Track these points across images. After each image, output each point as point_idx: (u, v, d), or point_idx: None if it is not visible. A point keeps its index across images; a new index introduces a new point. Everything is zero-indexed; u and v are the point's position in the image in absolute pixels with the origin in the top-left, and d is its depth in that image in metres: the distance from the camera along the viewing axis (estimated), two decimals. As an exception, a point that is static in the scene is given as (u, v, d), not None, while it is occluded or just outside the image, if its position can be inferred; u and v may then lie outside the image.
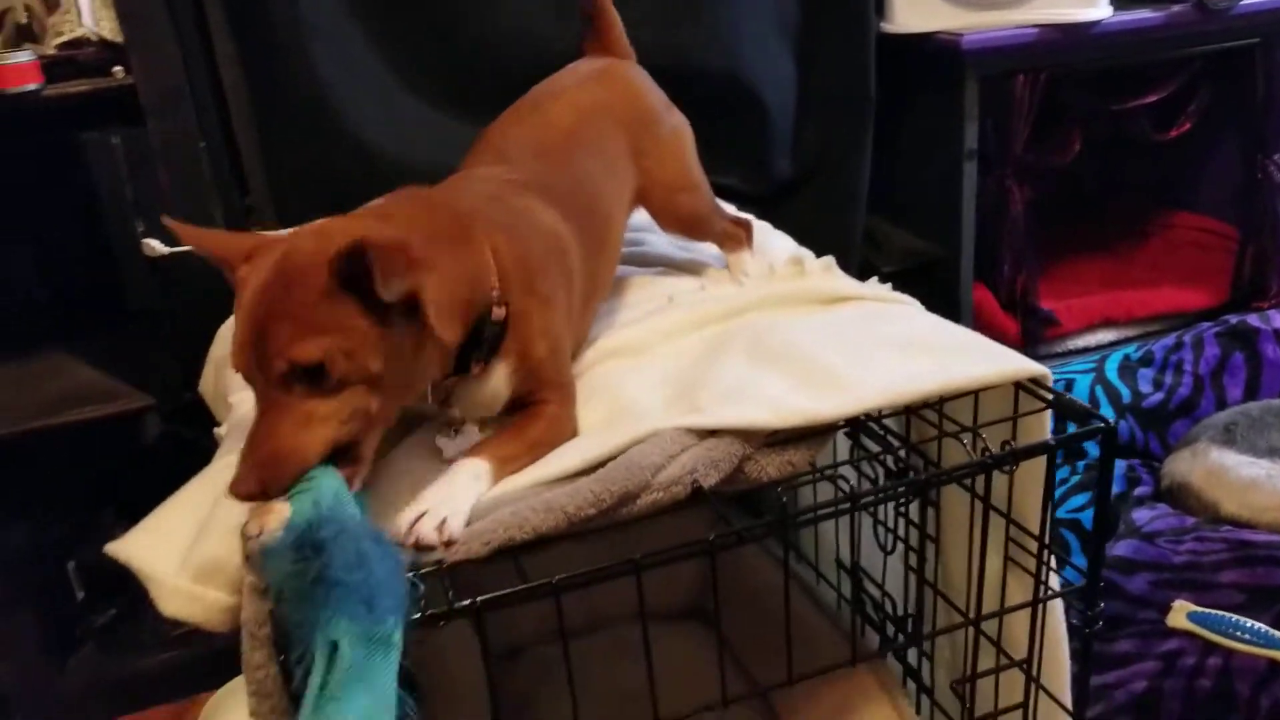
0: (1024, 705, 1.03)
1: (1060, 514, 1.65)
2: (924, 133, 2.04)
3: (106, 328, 1.81)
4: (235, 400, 1.12)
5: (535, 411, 0.96)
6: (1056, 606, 1.03)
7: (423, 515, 0.80)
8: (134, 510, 0.97)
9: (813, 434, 0.93)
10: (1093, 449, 1.74)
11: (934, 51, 1.89)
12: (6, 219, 1.80)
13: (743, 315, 1.16)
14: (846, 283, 1.21)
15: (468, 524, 0.82)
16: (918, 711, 1.14)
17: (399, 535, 0.79)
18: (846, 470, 1.15)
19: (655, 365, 1.10)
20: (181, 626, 1.78)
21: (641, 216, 1.31)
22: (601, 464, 0.88)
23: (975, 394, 0.97)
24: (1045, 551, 0.97)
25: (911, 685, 1.17)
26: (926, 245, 2.05)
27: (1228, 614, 1.35)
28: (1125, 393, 1.88)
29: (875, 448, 0.97)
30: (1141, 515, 1.55)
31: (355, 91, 1.64)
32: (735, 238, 1.34)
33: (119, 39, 1.50)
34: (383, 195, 0.99)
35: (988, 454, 0.90)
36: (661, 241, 1.44)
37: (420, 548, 0.79)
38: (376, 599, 0.69)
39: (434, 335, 0.84)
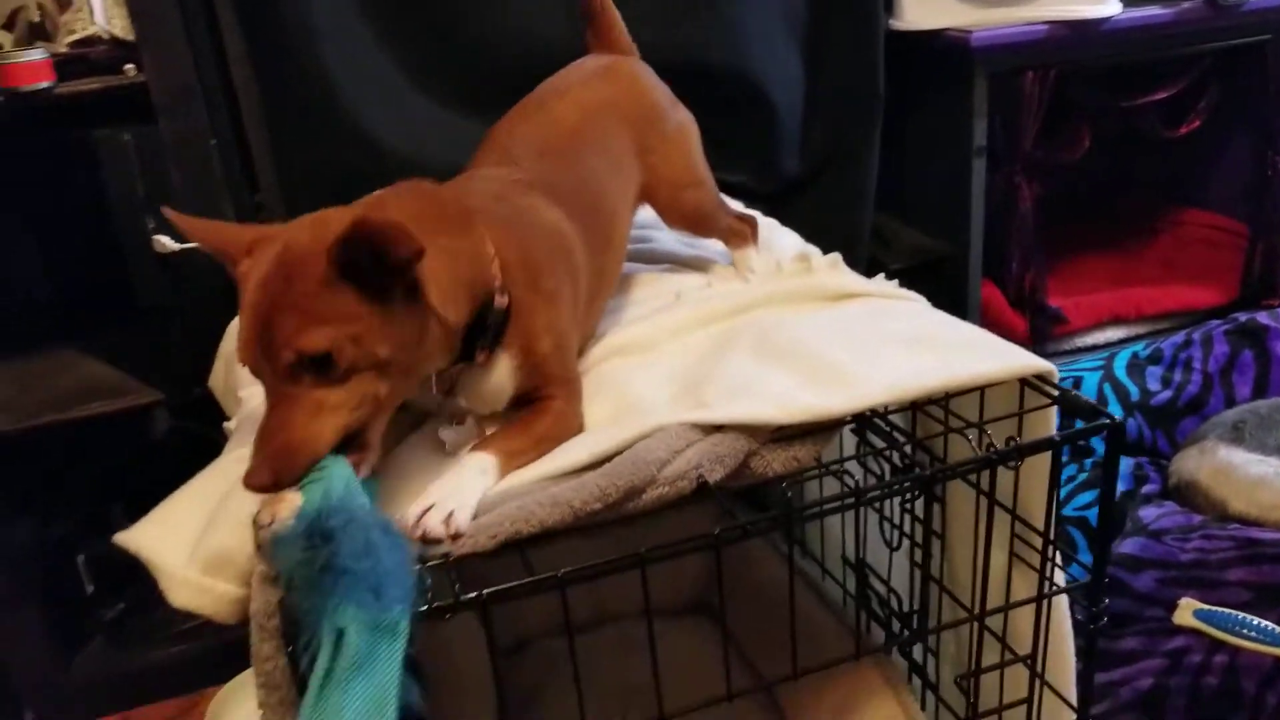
0: (1028, 701, 1.03)
1: (1067, 511, 1.64)
2: (933, 130, 2.04)
3: (117, 324, 1.82)
4: (245, 395, 1.13)
5: (541, 407, 0.96)
6: (1061, 603, 1.03)
7: (430, 508, 0.81)
8: (143, 505, 0.97)
9: (818, 430, 0.93)
10: (1100, 447, 1.74)
11: (943, 48, 1.89)
12: (19, 215, 1.82)
13: (749, 312, 1.17)
14: (853, 279, 1.21)
15: (474, 518, 0.83)
16: (923, 707, 1.14)
17: (406, 528, 0.80)
18: (852, 466, 1.15)
19: (661, 362, 1.10)
20: (190, 618, 1.79)
21: (648, 213, 1.32)
22: (607, 459, 0.88)
23: (981, 390, 0.97)
24: (1050, 547, 0.97)
25: (917, 681, 1.17)
26: (935, 242, 2.05)
27: (1234, 611, 1.35)
28: (1134, 390, 1.88)
29: (881, 444, 0.97)
30: (1149, 513, 1.55)
31: (365, 90, 1.65)
32: (741, 234, 1.34)
33: (131, 37, 1.52)
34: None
35: (992, 450, 0.91)
36: (668, 238, 1.44)
37: (427, 541, 0.80)
38: (384, 587, 0.70)
39: (437, 317, 0.85)
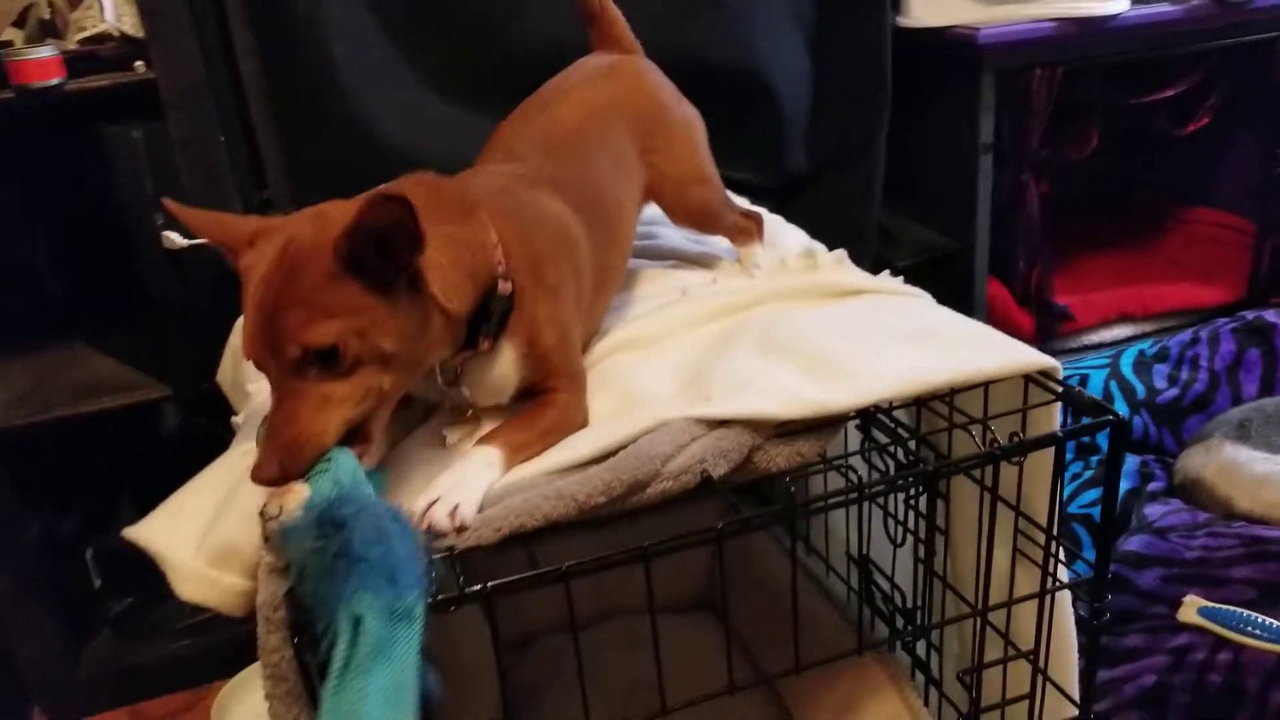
0: (1030, 696, 1.04)
1: (1072, 509, 1.65)
2: (940, 127, 2.04)
3: (125, 319, 1.84)
4: (253, 389, 1.13)
5: (546, 400, 0.97)
6: (1064, 599, 1.03)
7: (435, 502, 0.81)
8: (151, 500, 0.98)
9: (822, 425, 0.93)
10: (1105, 444, 1.74)
11: (950, 46, 1.89)
12: (29, 211, 1.83)
13: (754, 308, 1.17)
14: (858, 276, 1.21)
15: (479, 511, 0.83)
16: (925, 703, 1.15)
17: (412, 521, 0.80)
18: (856, 462, 1.15)
19: (666, 357, 1.10)
20: (197, 613, 1.81)
21: (654, 210, 1.32)
22: (612, 453, 0.89)
23: (985, 386, 0.97)
24: (1053, 543, 0.97)
25: (920, 677, 1.17)
26: (941, 240, 2.05)
27: (1239, 609, 1.35)
28: (1140, 388, 1.88)
29: (885, 439, 0.97)
30: (1154, 510, 1.55)
31: (373, 87, 1.66)
32: (746, 231, 1.35)
33: (140, 34, 1.52)
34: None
35: (996, 445, 0.91)
36: (674, 235, 1.45)
37: (432, 533, 0.80)
38: (398, 574, 0.71)
39: (440, 307, 0.85)
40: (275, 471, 0.78)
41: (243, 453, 0.97)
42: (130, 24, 1.54)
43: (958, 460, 0.94)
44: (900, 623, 1.12)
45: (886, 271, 1.24)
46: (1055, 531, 0.97)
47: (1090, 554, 1.00)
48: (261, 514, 0.77)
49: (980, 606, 1.01)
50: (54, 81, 1.48)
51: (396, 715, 0.69)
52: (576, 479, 0.86)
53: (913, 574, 1.13)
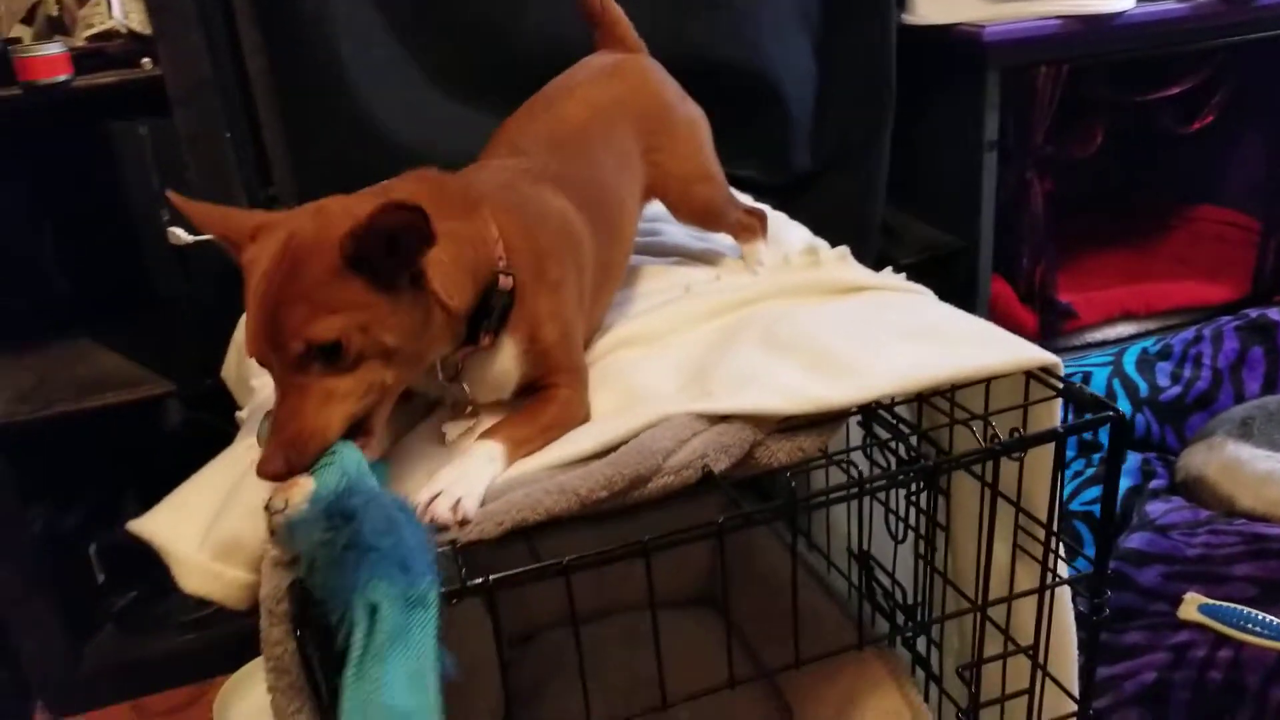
0: (1030, 692, 1.04)
1: (1074, 506, 1.65)
2: (944, 124, 2.04)
3: (130, 315, 1.84)
4: (257, 384, 1.14)
5: (548, 395, 0.97)
6: (1064, 595, 1.04)
7: (438, 495, 0.82)
8: (155, 495, 0.99)
9: (824, 421, 0.94)
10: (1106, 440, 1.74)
11: (955, 43, 1.89)
12: (35, 207, 1.84)
13: (756, 304, 1.17)
14: (860, 272, 1.21)
15: (482, 505, 0.84)
16: (926, 699, 1.15)
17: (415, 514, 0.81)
18: (858, 458, 1.16)
19: (669, 353, 1.11)
20: (200, 608, 1.82)
21: (657, 206, 1.33)
22: (614, 448, 0.89)
23: (987, 383, 0.97)
24: (1053, 539, 0.97)
25: (920, 674, 1.17)
26: (945, 237, 2.05)
27: (1240, 606, 1.35)
28: (1143, 386, 1.88)
29: (886, 435, 0.97)
30: (1156, 508, 1.55)
31: (379, 84, 1.66)
32: (750, 228, 1.35)
33: (147, 31, 1.53)
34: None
35: (996, 441, 0.91)
36: (677, 231, 1.45)
37: (435, 527, 0.81)
38: (410, 562, 0.72)
39: (441, 303, 0.86)
40: (281, 466, 0.78)
41: (246, 447, 0.98)
42: (138, 21, 1.55)
43: (958, 455, 0.94)
44: (901, 619, 1.12)
45: (889, 268, 1.24)
46: (1055, 527, 0.97)
47: (1091, 551, 1.00)
48: (267, 508, 0.77)
49: (980, 602, 1.02)
50: (61, 78, 1.49)
51: (418, 700, 0.70)
52: (578, 473, 0.86)
53: (914, 570, 1.13)
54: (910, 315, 1.09)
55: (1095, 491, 1.66)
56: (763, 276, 1.28)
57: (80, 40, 1.58)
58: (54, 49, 1.48)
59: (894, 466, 1.00)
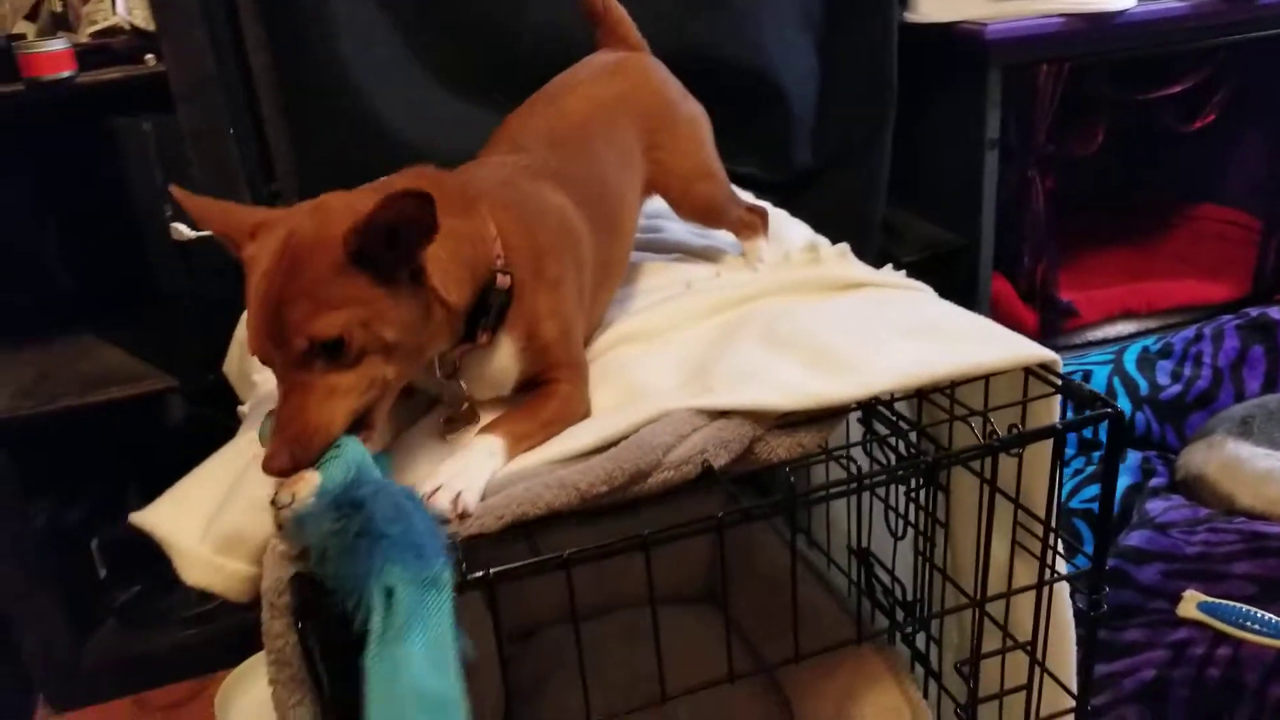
0: (1028, 688, 1.04)
1: (1074, 504, 1.65)
2: (946, 122, 2.04)
3: (133, 311, 1.85)
4: (259, 379, 1.14)
5: (548, 390, 0.98)
6: (1062, 591, 1.04)
7: (438, 488, 0.82)
8: (157, 490, 0.99)
9: (824, 416, 0.94)
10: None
11: (957, 41, 1.89)
12: (39, 203, 1.84)
13: (757, 301, 1.18)
14: (860, 269, 1.22)
15: (482, 499, 0.84)
16: (925, 696, 1.15)
17: (419, 505, 0.81)
18: (858, 454, 1.16)
19: (669, 350, 1.11)
20: (202, 603, 1.82)
21: (659, 203, 1.33)
22: (614, 443, 0.89)
23: (986, 379, 0.98)
24: (1051, 535, 0.98)
25: (919, 671, 1.18)
26: (946, 235, 2.06)
27: (1238, 604, 1.36)
28: (1143, 384, 1.88)
29: (885, 431, 0.98)
30: (1155, 506, 1.55)
31: (382, 80, 1.67)
32: (751, 225, 1.35)
33: (151, 28, 1.54)
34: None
35: (995, 437, 0.91)
36: (678, 228, 1.45)
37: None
38: (421, 546, 0.73)
39: (440, 299, 0.86)
40: (286, 462, 0.79)
41: (249, 440, 0.98)
42: (141, 17, 1.56)
43: (957, 451, 0.95)
44: (900, 615, 1.13)
45: (889, 266, 1.24)
46: (1054, 524, 0.97)
47: (1091, 548, 1.00)
48: (273, 503, 0.78)
49: (978, 597, 1.02)
50: (65, 74, 1.49)
51: (441, 678, 0.71)
52: (579, 468, 0.86)
53: (913, 567, 1.14)
54: (910, 312, 1.09)
55: (1095, 490, 1.67)
56: (763, 273, 1.28)
57: (84, 36, 1.58)
58: (58, 45, 1.49)
59: (893, 463, 1.00)
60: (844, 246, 1.27)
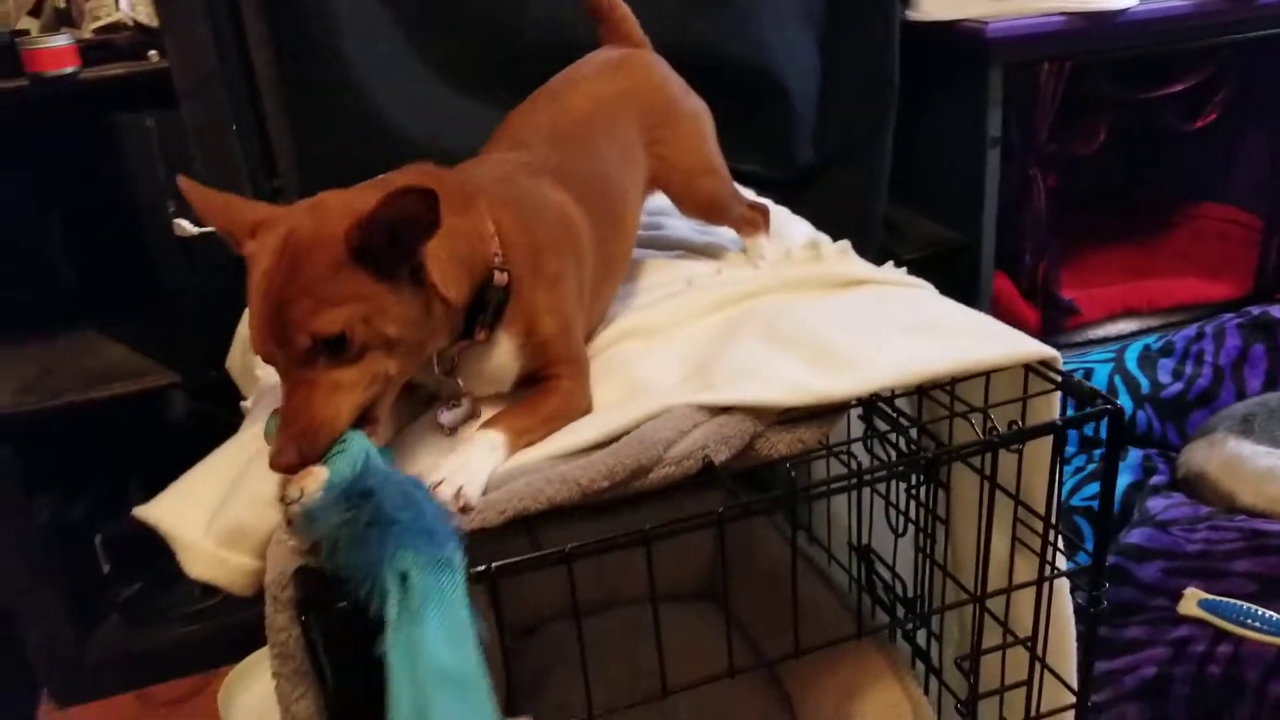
0: (1028, 683, 1.04)
1: (1074, 502, 1.65)
2: (947, 120, 2.04)
3: (136, 307, 1.85)
4: (261, 374, 1.15)
5: (549, 386, 0.98)
6: (1062, 587, 1.04)
7: (440, 483, 0.83)
8: (160, 485, 0.99)
9: (825, 412, 0.94)
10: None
11: (959, 39, 1.89)
12: (42, 199, 1.84)
13: (758, 298, 1.18)
14: (861, 266, 1.22)
15: (484, 494, 0.85)
16: (925, 692, 1.16)
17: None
18: (858, 450, 1.16)
19: (671, 346, 1.11)
20: (206, 597, 1.82)
21: (660, 200, 1.33)
22: (615, 438, 0.90)
23: (986, 376, 0.98)
24: (1051, 531, 0.98)
25: (920, 667, 1.18)
26: (948, 233, 2.06)
27: (1239, 602, 1.36)
28: (1144, 383, 1.88)
29: (886, 427, 0.98)
30: (1156, 504, 1.56)
31: (384, 77, 1.67)
32: (753, 222, 1.36)
33: (154, 24, 1.54)
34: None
35: (995, 433, 0.92)
36: (680, 225, 1.46)
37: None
38: (433, 529, 0.75)
39: (439, 295, 0.87)
40: (294, 458, 0.79)
41: (252, 435, 0.99)
42: (145, 13, 1.56)
43: (957, 448, 0.95)
44: (900, 611, 1.13)
45: (890, 263, 1.24)
46: (1053, 520, 0.98)
47: (1092, 545, 1.00)
48: (282, 499, 0.78)
49: (979, 593, 1.02)
50: (68, 70, 1.49)
51: (461, 656, 0.72)
52: (580, 463, 0.87)
53: (914, 564, 1.14)
54: (911, 309, 1.09)
55: (1096, 487, 1.66)
56: (764, 270, 1.28)
57: (87, 32, 1.58)
58: (61, 41, 1.49)
59: (894, 459, 1.01)
60: (845, 244, 1.27)
